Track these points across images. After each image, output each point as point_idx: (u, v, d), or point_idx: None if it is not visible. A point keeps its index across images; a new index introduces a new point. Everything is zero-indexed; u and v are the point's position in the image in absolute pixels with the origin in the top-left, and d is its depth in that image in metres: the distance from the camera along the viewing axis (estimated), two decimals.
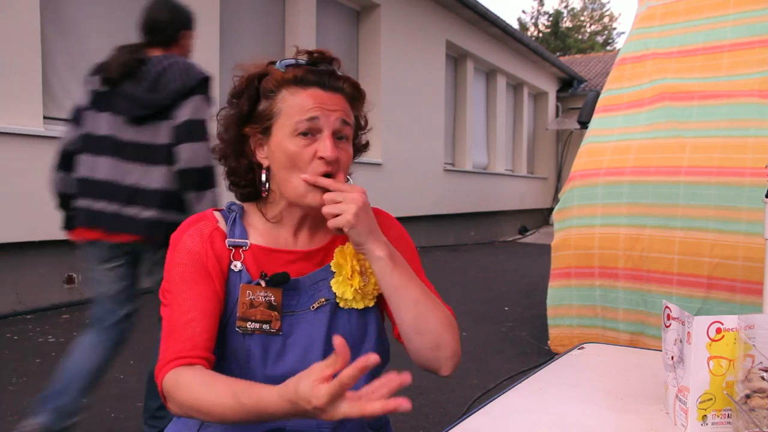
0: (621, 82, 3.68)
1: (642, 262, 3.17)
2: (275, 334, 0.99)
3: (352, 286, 1.02)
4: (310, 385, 0.74)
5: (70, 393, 2.05)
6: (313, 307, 1.02)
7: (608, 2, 42.60)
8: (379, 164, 8.14)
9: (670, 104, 3.35)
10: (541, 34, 30.39)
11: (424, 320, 0.98)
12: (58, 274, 4.69)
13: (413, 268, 1.04)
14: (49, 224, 4.70)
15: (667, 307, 0.90)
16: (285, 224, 1.05)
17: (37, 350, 3.56)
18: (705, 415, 0.83)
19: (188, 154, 2.03)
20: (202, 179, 2.05)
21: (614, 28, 33.95)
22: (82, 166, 2.12)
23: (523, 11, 54.69)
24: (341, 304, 1.03)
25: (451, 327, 1.00)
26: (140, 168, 2.07)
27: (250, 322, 0.98)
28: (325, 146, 0.98)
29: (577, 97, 15.35)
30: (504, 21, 11.23)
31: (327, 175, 0.99)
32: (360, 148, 1.12)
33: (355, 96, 1.05)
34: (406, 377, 0.74)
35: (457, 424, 0.90)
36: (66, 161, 2.17)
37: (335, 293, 1.02)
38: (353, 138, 1.07)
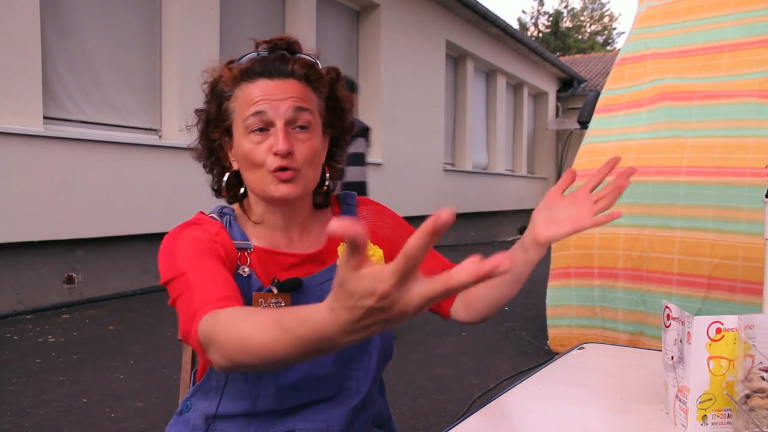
0: (621, 82, 3.68)
1: (642, 262, 3.17)
2: None
3: None
4: (369, 271, 0.51)
5: None
6: None
7: (608, 2, 42.67)
8: (379, 164, 8.14)
9: (670, 104, 3.35)
10: (541, 34, 30.41)
11: (504, 301, 1.12)
12: (58, 274, 4.69)
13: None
14: (49, 224, 4.75)
15: (667, 307, 0.90)
16: (274, 226, 1.02)
17: (37, 350, 3.56)
18: (705, 415, 0.83)
19: None
20: None
21: (614, 28, 34.06)
22: None
23: (523, 11, 54.83)
24: None
25: (499, 283, 1.11)
26: None
27: None
28: (276, 139, 0.93)
29: (577, 97, 15.38)
30: (504, 21, 11.24)
31: (283, 168, 0.93)
32: (339, 134, 1.05)
33: (310, 76, 0.97)
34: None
35: (457, 424, 0.90)
36: None
37: None
38: (328, 124, 1.02)
